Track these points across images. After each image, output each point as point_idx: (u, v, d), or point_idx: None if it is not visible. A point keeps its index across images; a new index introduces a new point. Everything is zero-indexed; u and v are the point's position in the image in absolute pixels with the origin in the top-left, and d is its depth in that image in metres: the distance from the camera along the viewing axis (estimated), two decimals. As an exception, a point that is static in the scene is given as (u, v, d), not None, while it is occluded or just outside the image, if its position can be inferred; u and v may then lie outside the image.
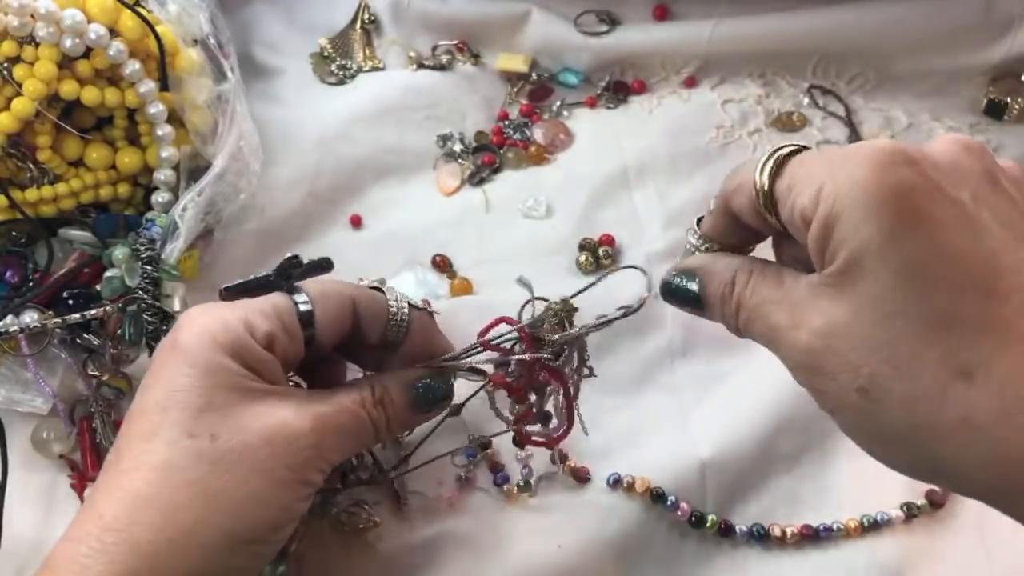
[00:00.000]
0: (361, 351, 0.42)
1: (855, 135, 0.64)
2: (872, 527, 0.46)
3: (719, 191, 0.35)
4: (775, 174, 0.31)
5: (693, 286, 0.35)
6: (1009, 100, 0.64)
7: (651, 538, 0.46)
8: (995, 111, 0.65)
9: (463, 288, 0.56)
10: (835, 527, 0.46)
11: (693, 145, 0.63)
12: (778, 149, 0.32)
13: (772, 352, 0.32)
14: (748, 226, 0.34)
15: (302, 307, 0.38)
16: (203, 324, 0.35)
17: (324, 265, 0.41)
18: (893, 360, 0.27)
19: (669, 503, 0.46)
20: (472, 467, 0.48)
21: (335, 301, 0.39)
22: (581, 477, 0.48)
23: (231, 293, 0.39)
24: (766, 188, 0.31)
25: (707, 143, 0.63)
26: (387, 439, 0.40)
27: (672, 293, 0.36)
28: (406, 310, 0.40)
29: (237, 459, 0.33)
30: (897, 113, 0.66)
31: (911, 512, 0.47)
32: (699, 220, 0.37)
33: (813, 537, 0.46)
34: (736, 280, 0.34)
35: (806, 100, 0.66)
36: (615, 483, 0.47)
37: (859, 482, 0.48)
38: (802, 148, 0.32)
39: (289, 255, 0.39)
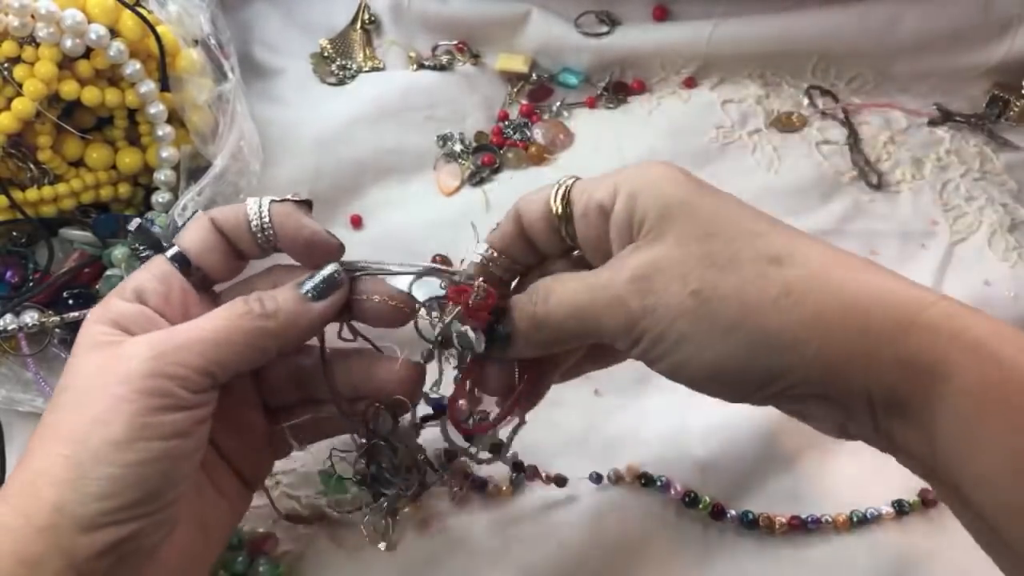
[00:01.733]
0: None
1: (854, 135, 0.64)
2: (861, 522, 0.47)
3: (511, 209, 0.39)
4: (568, 189, 0.37)
5: (504, 329, 0.37)
6: (1009, 100, 0.64)
7: (650, 531, 0.46)
8: (995, 111, 0.65)
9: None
10: (823, 519, 0.47)
11: (693, 145, 0.63)
12: (564, 181, 0.38)
13: (587, 320, 0.35)
14: (531, 242, 0.39)
15: (169, 251, 0.39)
16: (90, 311, 0.37)
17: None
18: (718, 263, 0.33)
19: (659, 484, 0.46)
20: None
21: (194, 228, 0.39)
22: (560, 481, 0.48)
23: None
24: (559, 200, 0.37)
25: (707, 143, 0.63)
26: (282, 333, 0.37)
27: (490, 341, 0.37)
28: (265, 205, 0.39)
29: (79, 394, 0.34)
30: (896, 114, 0.66)
31: (902, 509, 0.47)
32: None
33: (801, 528, 0.46)
34: (542, 285, 0.37)
35: (806, 100, 0.66)
36: (597, 479, 0.48)
37: (857, 481, 0.48)
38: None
39: (135, 223, 0.40)
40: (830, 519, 0.47)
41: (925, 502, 0.47)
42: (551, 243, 0.38)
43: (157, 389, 0.33)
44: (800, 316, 0.31)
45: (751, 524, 0.46)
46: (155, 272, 0.38)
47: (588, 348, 0.41)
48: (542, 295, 0.36)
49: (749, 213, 0.34)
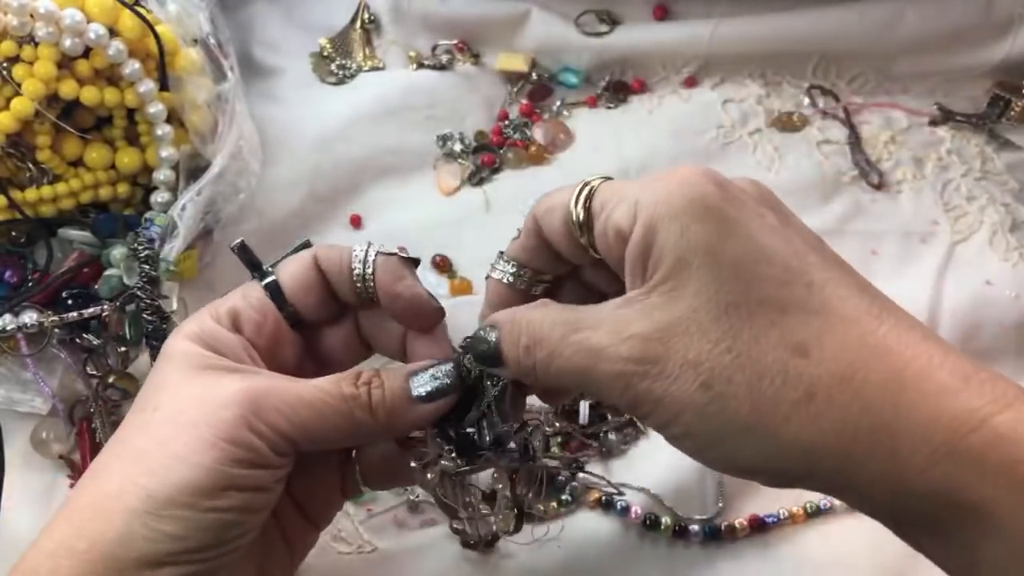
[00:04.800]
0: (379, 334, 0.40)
1: (855, 135, 0.64)
2: (815, 514, 0.47)
3: (529, 214, 0.35)
4: (590, 195, 0.33)
5: (492, 336, 0.34)
6: (1011, 100, 0.64)
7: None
8: (996, 111, 0.65)
9: (463, 288, 0.56)
10: (781, 514, 0.46)
11: (694, 145, 0.63)
12: (590, 180, 0.33)
13: (586, 385, 0.31)
14: (556, 252, 0.35)
15: (266, 280, 0.37)
16: (181, 325, 0.37)
17: (303, 247, 0.40)
18: (735, 349, 0.28)
19: (619, 508, 0.46)
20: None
21: (296, 262, 0.38)
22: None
23: None
24: (580, 208, 0.33)
25: (708, 143, 0.63)
26: (381, 429, 0.35)
27: (476, 353, 0.35)
28: (371, 255, 0.37)
29: (168, 422, 0.33)
30: (897, 114, 0.66)
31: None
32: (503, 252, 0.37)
33: (761, 527, 0.46)
34: (526, 329, 0.33)
35: (806, 100, 0.66)
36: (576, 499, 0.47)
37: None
38: (610, 179, 0.33)
39: (237, 241, 0.38)
40: (787, 514, 0.47)
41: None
42: (576, 254, 0.35)
43: (244, 442, 0.32)
44: (820, 429, 0.28)
45: (714, 533, 0.46)
46: (252, 300, 0.37)
47: None
48: (527, 342, 0.32)
49: (782, 262, 0.30)
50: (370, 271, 0.37)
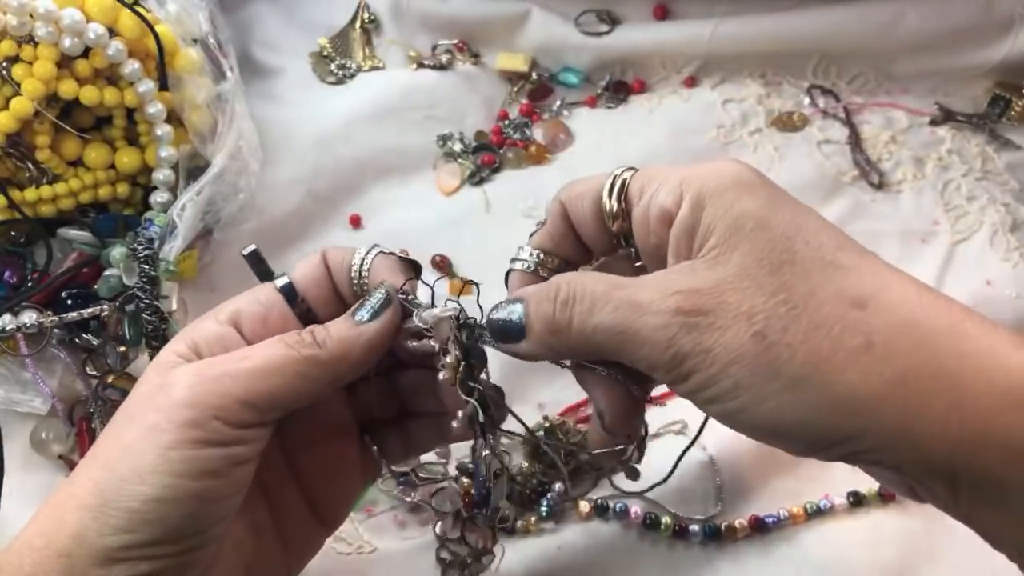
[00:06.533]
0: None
1: (855, 135, 0.64)
2: (816, 513, 0.47)
3: (554, 200, 0.35)
4: (623, 185, 0.33)
5: (516, 307, 0.33)
6: (1011, 100, 0.64)
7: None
8: (997, 111, 0.65)
9: (462, 288, 0.56)
10: (781, 515, 0.47)
11: (694, 145, 0.63)
12: (616, 171, 0.34)
13: (625, 342, 0.30)
14: (580, 240, 0.35)
15: (279, 280, 0.37)
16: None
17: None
18: (790, 301, 0.28)
19: (618, 509, 0.46)
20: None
21: (307, 260, 0.38)
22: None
23: None
24: (613, 199, 0.33)
25: (708, 143, 0.63)
26: (336, 362, 0.34)
27: (497, 331, 0.34)
28: (372, 255, 0.37)
29: (124, 416, 0.32)
30: (897, 113, 0.66)
31: (858, 501, 0.47)
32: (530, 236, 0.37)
33: (761, 528, 0.46)
34: (565, 284, 0.32)
35: (807, 100, 0.66)
36: (555, 510, 0.47)
37: (858, 480, 0.48)
38: (635, 169, 0.34)
39: (250, 248, 0.38)
40: (787, 514, 0.47)
41: (883, 496, 0.47)
42: (602, 242, 0.35)
43: (193, 420, 0.31)
44: (882, 376, 0.27)
45: (714, 534, 0.46)
46: (259, 296, 0.36)
47: None
48: (565, 295, 0.31)
49: (832, 237, 0.30)
50: (366, 270, 0.37)
